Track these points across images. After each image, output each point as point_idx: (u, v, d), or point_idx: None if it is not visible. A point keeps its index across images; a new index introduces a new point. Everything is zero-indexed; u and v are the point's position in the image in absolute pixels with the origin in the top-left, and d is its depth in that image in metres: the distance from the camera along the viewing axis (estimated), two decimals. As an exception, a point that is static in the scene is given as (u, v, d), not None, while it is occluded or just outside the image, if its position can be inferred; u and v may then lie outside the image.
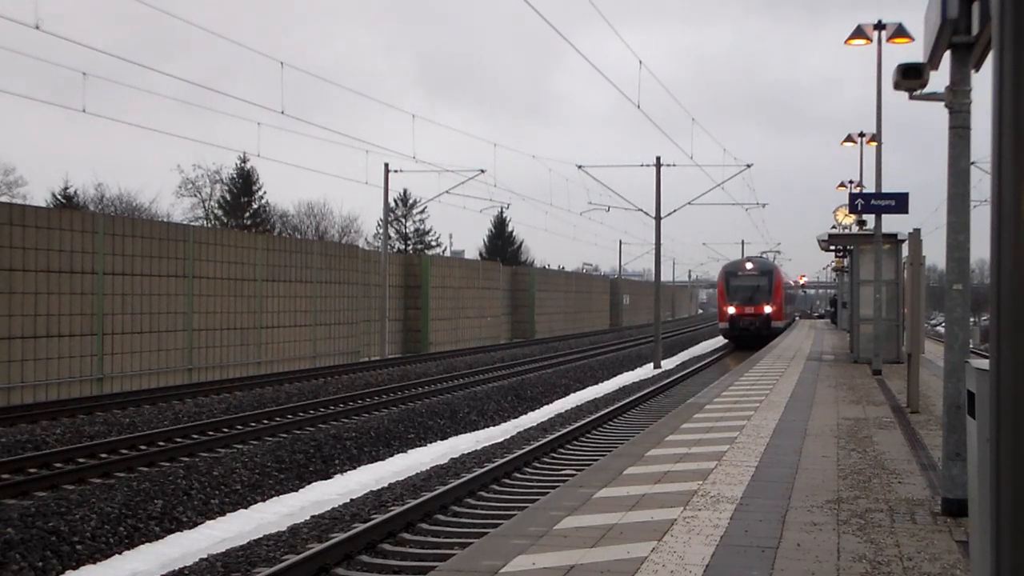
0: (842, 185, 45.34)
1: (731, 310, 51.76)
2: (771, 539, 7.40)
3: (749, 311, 51.55)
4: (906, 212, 22.25)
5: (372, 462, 18.72)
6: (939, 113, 8.59)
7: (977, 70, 8.18)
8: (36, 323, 25.02)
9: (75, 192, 67.98)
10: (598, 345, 55.55)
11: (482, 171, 45.15)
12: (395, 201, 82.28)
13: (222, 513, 14.50)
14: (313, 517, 13.51)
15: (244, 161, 72.20)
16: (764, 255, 73.38)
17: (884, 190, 23.77)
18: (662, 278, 46.32)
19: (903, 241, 25.01)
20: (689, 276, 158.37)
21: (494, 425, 24.26)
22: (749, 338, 49.91)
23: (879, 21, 23.24)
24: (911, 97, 8.97)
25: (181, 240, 30.87)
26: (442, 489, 13.68)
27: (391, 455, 19.59)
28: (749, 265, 54.32)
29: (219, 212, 73.52)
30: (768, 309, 51.85)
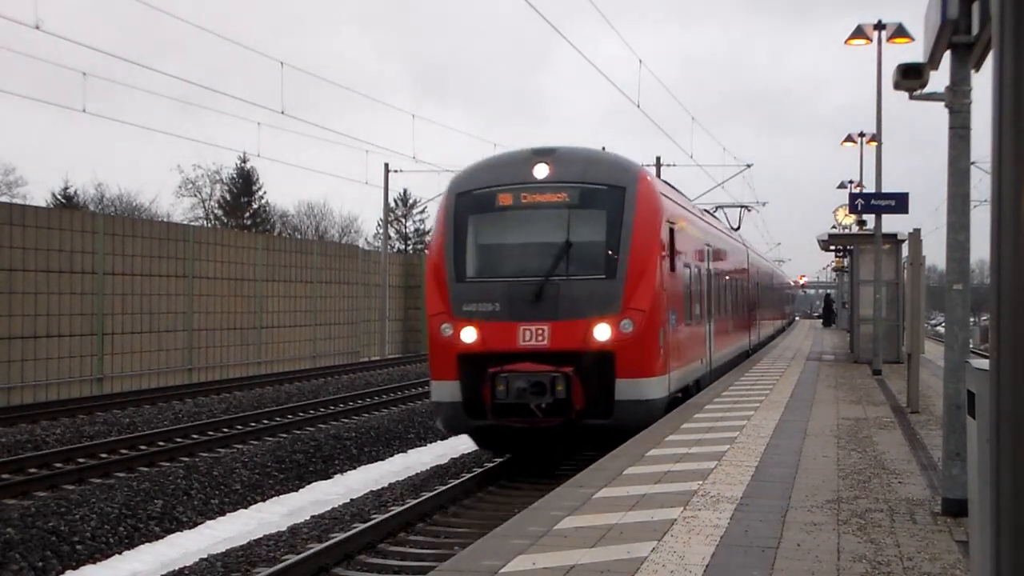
0: (842, 185, 45.33)
1: (468, 336, 14.01)
2: (771, 539, 7.40)
3: (528, 340, 13.76)
4: (906, 212, 22.26)
5: (372, 462, 18.72)
6: (939, 113, 8.59)
7: (977, 70, 8.18)
8: (36, 323, 25.01)
9: (75, 192, 68.09)
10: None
11: (482, 171, 45.08)
12: (395, 201, 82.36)
13: (222, 513, 14.50)
14: (313, 517, 13.51)
15: (244, 161, 72.35)
16: (721, 211, 36.86)
17: (884, 190, 23.77)
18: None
19: (903, 241, 25.01)
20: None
21: (494, 425, 24.24)
22: (537, 440, 14.12)
23: (879, 21, 23.22)
24: (911, 97, 8.96)
25: (181, 240, 30.87)
26: (442, 488, 13.68)
27: (391, 455, 19.59)
28: (541, 169, 14.50)
29: (219, 212, 73.59)
30: (605, 333, 13.72)
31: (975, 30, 7.63)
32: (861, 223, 32.13)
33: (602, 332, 13.70)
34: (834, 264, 58.59)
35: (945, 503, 8.34)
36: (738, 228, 36.36)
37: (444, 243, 14.56)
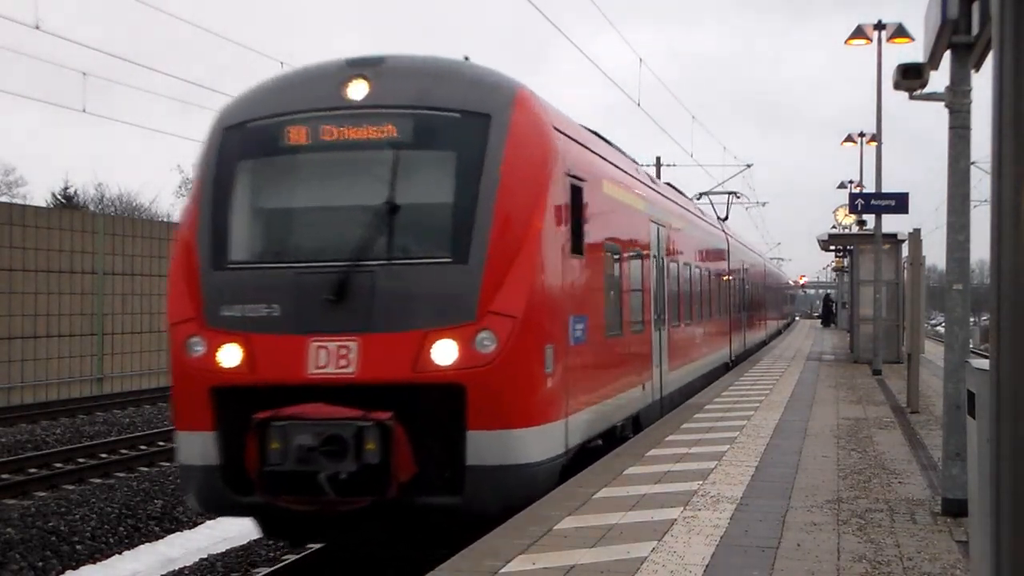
0: (842, 185, 45.37)
1: (229, 358, 9.02)
2: (771, 539, 7.40)
3: (325, 366, 8.76)
4: (906, 212, 22.29)
5: (372, 462, 18.69)
6: (939, 113, 8.60)
7: (977, 70, 8.18)
8: (36, 323, 25.01)
9: (75, 192, 68.01)
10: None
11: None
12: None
13: (222, 513, 14.50)
14: (313, 517, 13.49)
15: (244, 161, 72.07)
16: (707, 198, 34.32)
17: (884, 190, 23.79)
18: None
19: (903, 241, 25.02)
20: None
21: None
22: (348, 526, 8.96)
23: (879, 21, 23.25)
24: (911, 97, 8.97)
25: (181, 240, 30.89)
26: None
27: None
28: (358, 88, 9.45)
29: (219, 212, 73.42)
30: (450, 353, 8.66)
31: (975, 30, 7.63)
32: (861, 223, 32.14)
33: (445, 352, 8.61)
34: (834, 264, 58.61)
35: (945, 503, 8.34)
36: (726, 218, 32.59)
37: (198, 208, 9.54)
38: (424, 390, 8.63)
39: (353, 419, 8.38)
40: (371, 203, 9.13)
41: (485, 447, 8.58)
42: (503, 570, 6.57)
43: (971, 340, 12.58)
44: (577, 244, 10.15)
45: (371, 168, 9.37)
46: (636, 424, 13.43)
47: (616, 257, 12.39)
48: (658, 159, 40.70)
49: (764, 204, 56.14)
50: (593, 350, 10.91)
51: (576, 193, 10.20)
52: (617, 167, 13.24)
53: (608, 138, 14.08)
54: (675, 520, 7.94)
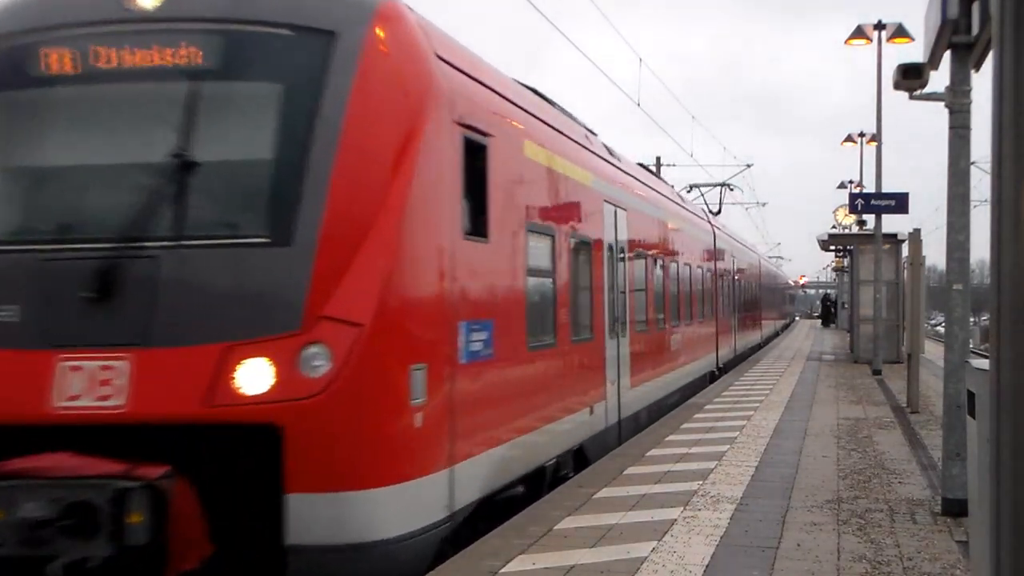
0: (842, 185, 45.40)
1: None
2: (771, 539, 7.40)
3: (82, 395, 6.09)
4: (906, 212, 22.35)
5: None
6: (940, 113, 8.60)
7: (977, 70, 8.19)
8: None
9: (75, 192, 68.14)
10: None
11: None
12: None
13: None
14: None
15: (244, 161, 72.26)
16: (697, 191, 34.07)
17: (884, 190, 23.81)
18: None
19: (903, 241, 25.03)
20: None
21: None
22: None
23: (879, 21, 23.27)
24: (911, 97, 8.98)
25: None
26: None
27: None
28: None
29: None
30: (262, 377, 6.04)
31: (975, 30, 7.64)
32: (861, 223, 32.17)
33: (255, 376, 6.10)
34: (834, 264, 58.64)
35: (945, 503, 8.35)
36: (718, 212, 30.57)
37: None
38: (223, 433, 6.03)
39: (110, 477, 5.78)
40: (155, 159, 6.57)
41: (314, 518, 6.00)
42: (503, 570, 6.57)
43: (971, 340, 12.58)
44: (477, 223, 7.68)
45: (159, 108, 6.75)
46: (579, 458, 10.76)
47: (547, 243, 9.62)
48: (658, 159, 40.72)
49: (764, 204, 56.13)
50: (503, 367, 8.26)
51: (475, 151, 7.65)
52: (552, 127, 10.34)
53: (567, 108, 12.01)
54: (675, 520, 7.94)
